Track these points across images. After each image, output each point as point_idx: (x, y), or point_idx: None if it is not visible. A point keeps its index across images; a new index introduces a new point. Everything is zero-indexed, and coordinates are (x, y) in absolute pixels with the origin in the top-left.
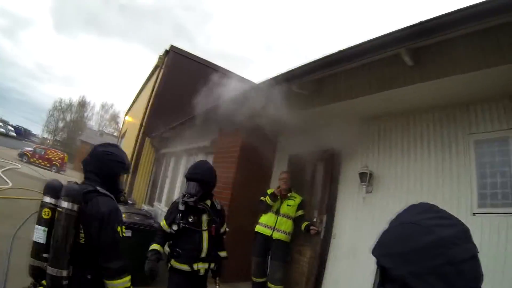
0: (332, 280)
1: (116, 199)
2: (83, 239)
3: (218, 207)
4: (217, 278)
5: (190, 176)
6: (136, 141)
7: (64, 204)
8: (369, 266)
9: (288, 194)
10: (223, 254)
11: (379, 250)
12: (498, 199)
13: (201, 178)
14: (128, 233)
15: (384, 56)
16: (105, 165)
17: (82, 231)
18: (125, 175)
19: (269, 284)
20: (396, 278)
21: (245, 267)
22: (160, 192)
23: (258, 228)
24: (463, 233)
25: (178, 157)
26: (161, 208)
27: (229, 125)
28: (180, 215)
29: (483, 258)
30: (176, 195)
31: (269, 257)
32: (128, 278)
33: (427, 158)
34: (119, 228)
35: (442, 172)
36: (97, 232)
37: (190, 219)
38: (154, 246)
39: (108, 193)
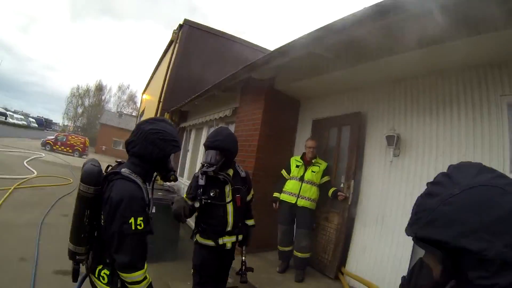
0: (359, 247)
1: (165, 179)
2: (104, 222)
3: (243, 174)
4: (244, 248)
5: (209, 144)
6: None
7: (81, 186)
8: (397, 232)
9: (313, 161)
10: (250, 222)
11: (448, 230)
12: None
13: (221, 145)
14: (153, 209)
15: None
16: (156, 146)
17: (102, 213)
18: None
19: (295, 253)
20: (492, 259)
21: (271, 236)
22: (181, 166)
23: (282, 196)
24: None
25: (198, 130)
26: (183, 182)
27: (252, 91)
28: (201, 190)
29: None
30: (198, 168)
31: (295, 225)
32: (138, 273)
33: (456, 121)
34: (132, 220)
35: (472, 136)
36: (107, 218)
37: (212, 193)
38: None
39: (132, 176)
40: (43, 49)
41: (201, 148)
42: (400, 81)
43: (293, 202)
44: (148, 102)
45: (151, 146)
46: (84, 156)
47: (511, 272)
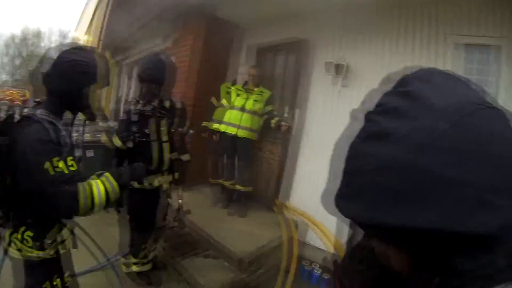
0: (304, 178)
1: (91, 118)
2: (18, 177)
3: (179, 105)
4: (181, 188)
5: (142, 75)
6: None
7: None
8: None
9: (255, 89)
10: (186, 157)
11: (446, 207)
12: None
13: (156, 75)
14: (90, 153)
15: None
16: (66, 78)
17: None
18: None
19: (237, 186)
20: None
21: (205, 168)
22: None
23: (222, 127)
24: None
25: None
26: None
27: (193, 19)
28: (135, 127)
29: None
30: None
31: (236, 157)
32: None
33: (410, 54)
34: (47, 165)
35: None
36: (20, 172)
37: (146, 130)
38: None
39: (40, 116)
40: None
41: None
42: (352, 10)
43: (234, 133)
44: (90, 44)
45: (61, 78)
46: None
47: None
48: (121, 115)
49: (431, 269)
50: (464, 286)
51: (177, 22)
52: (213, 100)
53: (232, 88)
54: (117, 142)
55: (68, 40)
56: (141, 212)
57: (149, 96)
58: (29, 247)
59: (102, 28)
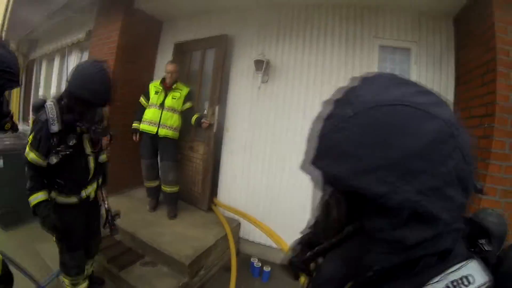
0: (228, 176)
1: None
2: None
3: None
4: (104, 192)
5: (89, 99)
6: None
7: None
8: (267, 160)
9: (173, 86)
10: (103, 159)
11: (340, 164)
12: None
13: (105, 99)
14: None
15: None
16: None
17: None
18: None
19: (163, 188)
20: (396, 207)
21: (135, 172)
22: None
23: (142, 127)
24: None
25: (50, 61)
26: None
27: (108, 11)
28: (56, 140)
29: None
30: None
31: (159, 157)
32: None
33: (330, 53)
34: None
35: (345, 68)
36: None
37: (71, 143)
38: (39, 195)
39: None
40: None
41: (54, 82)
42: (274, 7)
43: (154, 132)
44: None
45: None
46: None
47: (426, 226)
48: (35, 123)
49: (352, 221)
50: (372, 246)
51: (91, 12)
52: (142, 99)
53: (150, 85)
54: (35, 157)
55: None
56: (69, 230)
57: (88, 114)
58: None
59: (5, 16)
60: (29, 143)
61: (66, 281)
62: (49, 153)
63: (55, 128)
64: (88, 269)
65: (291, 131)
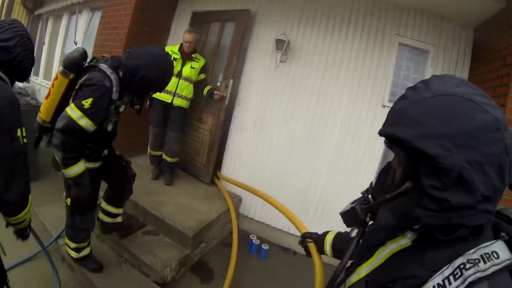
0: (235, 150)
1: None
2: None
3: None
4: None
5: (161, 88)
6: (2, 4)
7: None
8: (276, 137)
9: (193, 55)
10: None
11: (411, 129)
12: None
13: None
14: None
15: None
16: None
17: None
18: None
19: (164, 156)
20: (448, 169)
21: (140, 139)
22: (36, 63)
23: (156, 95)
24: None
25: (57, 18)
26: (39, 83)
27: None
28: (114, 107)
29: None
30: (57, 64)
31: (168, 126)
32: (25, 211)
33: (351, 42)
34: (19, 133)
35: (363, 58)
36: None
37: (121, 109)
38: (80, 164)
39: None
40: None
41: (59, 40)
42: None
43: (169, 101)
44: None
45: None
46: None
47: (467, 193)
48: (96, 88)
49: (409, 179)
50: (430, 207)
51: None
52: None
53: (167, 49)
54: (89, 123)
55: None
56: (89, 195)
57: (146, 95)
58: None
59: None
60: (83, 107)
61: (72, 245)
62: (105, 120)
63: (115, 96)
64: (118, 218)
65: (303, 112)
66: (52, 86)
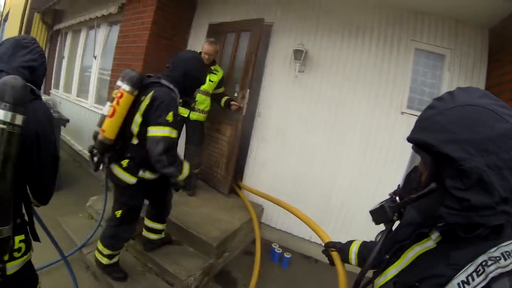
0: (258, 162)
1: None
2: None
3: None
4: None
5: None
6: (22, 20)
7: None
8: (298, 147)
9: (212, 67)
10: None
11: (437, 135)
12: (424, 105)
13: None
14: None
15: None
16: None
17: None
18: None
19: None
20: (469, 171)
21: None
22: (56, 77)
23: None
24: None
25: (76, 32)
26: (59, 95)
27: None
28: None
29: None
30: (76, 78)
31: (185, 140)
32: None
33: (367, 51)
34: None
35: (380, 67)
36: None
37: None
38: (186, 164)
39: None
40: None
41: (78, 54)
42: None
43: (185, 115)
44: (13, 2)
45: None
46: None
47: (486, 194)
48: (170, 102)
49: (434, 180)
50: (451, 207)
51: None
52: None
53: None
54: (175, 135)
55: None
56: (139, 206)
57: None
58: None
59: None
60: (169, 122)
61: (106, 252)
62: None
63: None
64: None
65: (323, 122)
66: (117, 104)
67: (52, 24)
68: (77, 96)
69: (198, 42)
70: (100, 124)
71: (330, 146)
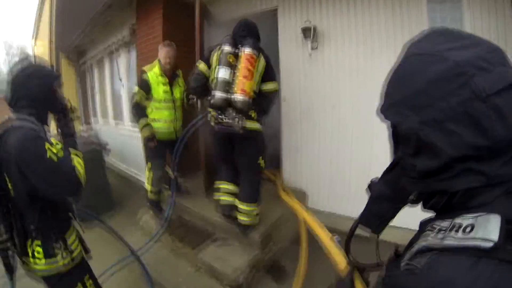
0: (290, 147)
1: (59, 118)
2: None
3: None
4: None
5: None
6: (51, 61)
7: None
8: (329, 127)
9: (176, 72)
10: None
11: (384, 102)
12: None
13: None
14: None
15: None
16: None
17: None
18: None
19: None
20: (407, 134)
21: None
22: (93, 107)
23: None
24: (493, 53)
25: (100, 63)
26: (99, 122)
27: (147, 2)
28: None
29: None
30: (110, 102)
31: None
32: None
33: (375, 11)
34: (47, 146)
35: (393, 25)
36: (15, 176)
37: None
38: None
39: (28, 123)
40: None
41: (107, 81)
42: None
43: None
44: (40, 48)
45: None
46: None
47: (431, 156)
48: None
49: (407, 159)
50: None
51: (130, 6)
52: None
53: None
54: (204, 66)
55: (15, 49)
56: None
57: None
58: (44, 259)
59: (50, 30)
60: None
61: (255, 208)
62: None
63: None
64: None
65: (348, 94)
66: (252, 67)
67: (77, 59)
68: (114, 119)
69: (211, 43)
70: (227, 89)
71: (359, 116)
